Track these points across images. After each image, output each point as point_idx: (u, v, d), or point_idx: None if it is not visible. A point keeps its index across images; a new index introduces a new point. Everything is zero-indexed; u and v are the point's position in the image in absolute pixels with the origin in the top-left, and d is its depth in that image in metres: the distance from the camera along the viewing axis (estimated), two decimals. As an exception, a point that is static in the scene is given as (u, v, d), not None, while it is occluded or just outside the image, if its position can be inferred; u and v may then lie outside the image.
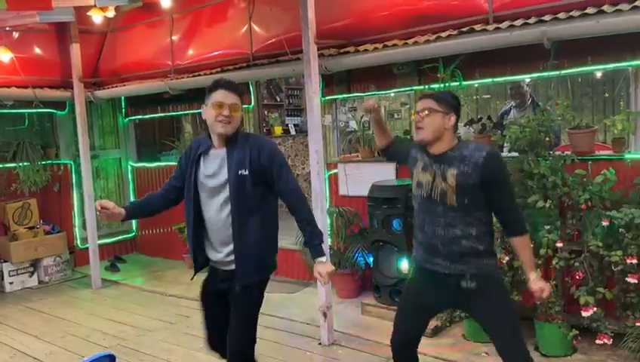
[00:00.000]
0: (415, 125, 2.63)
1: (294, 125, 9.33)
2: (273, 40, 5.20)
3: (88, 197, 6.36)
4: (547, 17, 3.70)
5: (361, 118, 7.38)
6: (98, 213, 2.69)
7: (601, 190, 3.72)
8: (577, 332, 3.68)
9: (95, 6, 5.49)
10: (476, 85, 5.48)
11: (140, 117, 7.64)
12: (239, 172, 2.62)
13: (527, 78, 4.81)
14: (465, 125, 4.71)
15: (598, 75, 6.13)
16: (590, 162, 3.91)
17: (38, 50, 6.52)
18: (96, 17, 5.88)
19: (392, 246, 4.64)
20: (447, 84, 4.37)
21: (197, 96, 6.30)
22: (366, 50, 4.57)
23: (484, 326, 2.69)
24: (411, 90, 4.98)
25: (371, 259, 4.91)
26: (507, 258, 3.88)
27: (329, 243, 4.78)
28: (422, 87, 4.75)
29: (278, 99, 9.75)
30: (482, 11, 4.07)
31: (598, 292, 3.58)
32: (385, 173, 5.00)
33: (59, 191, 7.05)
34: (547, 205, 3.73)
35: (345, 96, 5.49)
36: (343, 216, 5.22)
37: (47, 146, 6.98)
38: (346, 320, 4.67)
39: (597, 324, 3.57)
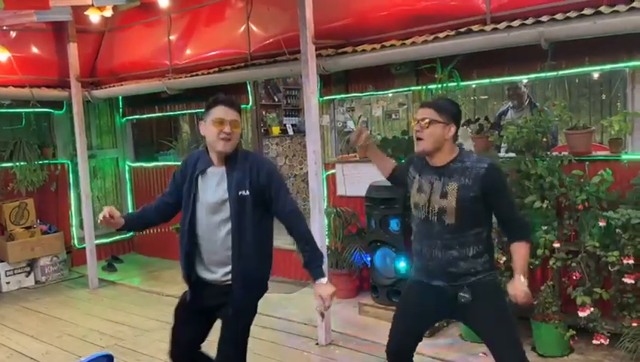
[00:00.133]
0: (415, 135, 2.62)
1: (292, 125, 9.31)
2: (271, 40, 5.20)
3: (85, 196, 6.35)
4: (544, 18, 3.70)
5: (359, 118, 7.40)
6: (102, 218, 2.62)
7: (598, 190, 3.73)
8: (574, 332, 3.69)
9: (93, 5, 5.49)
10: (474, 86, 5.49)
11: (137, 116, 7.64)
12: (240, 193, 2.57)
13: (524, 78, 4.81)
14: (462, 125, 4.70)
15: (596, 75, 6.14)
16: (587, 163, 3.91)
17: (35, 50, 6.50)
18: (94, 17, 5.87)
19: (390, 246, 4.65)
20: (444, 85, 4.38)
21: (195, 96, 6.31)
22: (364, 51, 4.57)
23: (481, 334, 2.69)
24: (409, 90, 4.99)
25: (369, 259, 4.91)
26: (504, 258, 3.88)
27: (327, 244, 4.78)
28: (420, 87, 4.76)
29: (276, 100, 9.73)
30: (480, 12, 4.07)
31: (595, 292, 3.59)
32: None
33: (56, 190, 7.04)
34: (544, 205, 3.74)
35: (343, 96, 5.49)
36: (341, 217, 5.22)
37: (45, 146, 6.97)
38: (344, 321, 4.67)
39: (594, 324, 3.58)
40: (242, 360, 2.71)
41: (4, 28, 6.17)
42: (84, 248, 6.47)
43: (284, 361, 4.04)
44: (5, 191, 6.59)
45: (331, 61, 4.74)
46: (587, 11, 3.56)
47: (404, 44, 4.32)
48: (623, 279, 3.46)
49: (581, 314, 3.56)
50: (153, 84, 6.22)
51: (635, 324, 3.48)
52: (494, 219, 2.66)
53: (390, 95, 7.02)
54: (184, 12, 6.13)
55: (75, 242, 7.14)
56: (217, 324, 2.76)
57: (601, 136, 6.16)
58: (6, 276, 6.38)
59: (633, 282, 3.44)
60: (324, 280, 2.57)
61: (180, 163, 2.88)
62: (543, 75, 4.11)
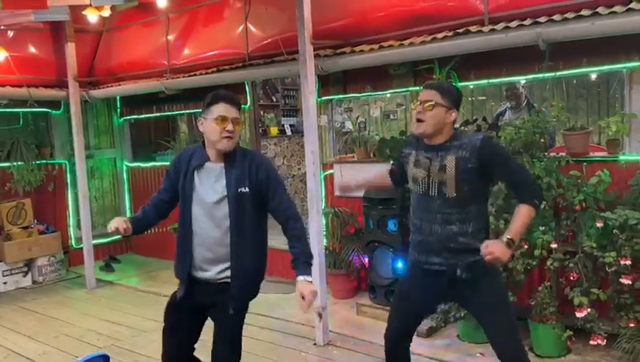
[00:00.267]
0: (416, 116, 2.58)
1: (290, 125, 9.31)
2: (269, 40, 5.20)
3: (83, 197, 6.34)
4: (542, 19, 3.71)
5: (357, 118, 7.40)
6: (113, 229, 2.60)
7: (595, 191, 3.73)
8: (571, 332, 3.69)
9: (90, 5, 5.47)
10: (471, 86, 5.48)
11: (135, 116, 7.63)
12: (239, 189, 2.55)
13: (522, 79, 4.82)
14: (460, 126, 4.71)
15: (593, 76, 6.15)
16: (585, 163, 3.92)
17: (33, 49, 6.49)
18: (92, 16, 5.86)
19: (388, 246, 4.65)
20: (442, 85, 4.37)
21: (192, 95, 6.30)
22: (362, 51, 4.57)
23: (480, 319, 2.67)
24: (407, 90, 5.00)
25: (367, 260, 4.91)
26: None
27: (324, 244, 4.78)
28: (418, 87, 4.76)
29: (274, 100, 9.73)
30: (478, 12, 4.08)
31: (592, 293, 3.59)
32: (381, 173, 5.00)
33: (53, 190, 7.03)
34: (542, 206, 3.74)
35: (341, 96, 5.49)
36: (339, 217, 5.22)
37: (42, 146, 6.95)
38: (341, 321, 4.67)
39: (591, 325, 3.58)
40: (239, 360, 2.71)
41: (2, 27, 6.16)
42: (82, 248, 6.46)
43: (281, 361, 4.04)
44: (2, 191, 6.57)
45: (329, 61, 4.74)
46: (585, 12, 3.57)
47: (402, 44, 4.33)
48: (620, 280, 3.47)
49: (578, 314, 3.57)
50: (151, 84, 6.21)
51: (632, 325, 3.48)
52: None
53: (388, 95, 7.02)
54: (182, 12, 6.12)
55: (73, 242, 7.13)
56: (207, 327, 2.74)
57: (598, 137, 6.17)
58: (3, 276, 6.37)
59: (630, 283, 3.44)
60: (309, 278, 2.48)
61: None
62: (540, 75, 4.11)
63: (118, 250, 7.62)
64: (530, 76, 4.29)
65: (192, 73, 5.83)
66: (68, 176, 7.13)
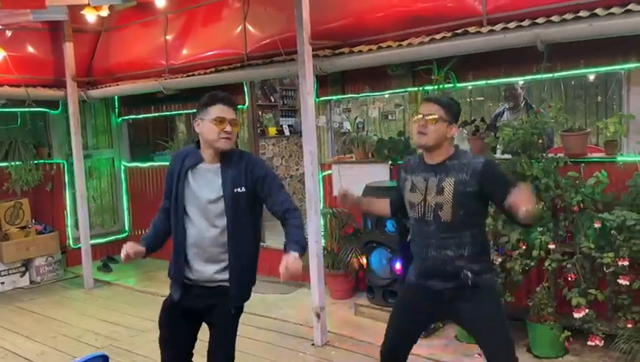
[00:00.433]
0: (417, 129, 2.57)
1: (288, 126, 9.32)
2: (268, 40, 5.20)
3: (81, 197, 6.33)
4: (540, 20, 3.71)
5: (355, 119, 7.40)
6: (123, 257, 2.61)
7: (593, 192, 3.74)
8: (569, 333, 3.69)
9: (89, 5, 5.46)
10: (470, 87, 5.49)
11: (133, 116, 7.62)
12: (235, 189, 2.55)
13: (520, 80, 4.83)
14: (458, 127, 4.71)
15: (591, 77, 6.16)
16: (583, 164, 3.93)
17: (31, 49, 6.48)
18: (90, 16, 5.85)
19: (386, 247, 4.65)
20: (441, 86, 4.38)
21: (191, 96, 6.30)
22: (360, 52, 4.57)
23: (475, 336, 2.69)
24: (405, 91, 5.00)
25: (365, 260, 4.91)
26: (500, 259, 3.89)
27: (323, 245, 4.78)
28: (416, 88, 4.76)
29: (273, 100, 9.74)
30: (476, 13, 4.08)
31: (590, 293, 3.59)
32: (379, 174, 5.01)
33: (51, 190, 7.01)
34: (540, 207, 3.74)
35: (339, 97, 5.49)
36: (337, 217, 5.22)
37: (40, 145, 6.94)
38: (340, 321, 4.67)
39: (589, 326, 3.58)
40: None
41: (0, 27, 6.15)
42: (80, 248, 6.45)
43: (279, 362, 4.05)
44: (0, 191, 6.56)
45: (328, 62, 4.74)
46: (583, 13, 3.57)
47: (401, 45, 4.33)
48: (618, 280, 3.47)
49: (576, 315, 3.57)
50: (149, 84, 6.20)
51: (630, 325, 3.49)
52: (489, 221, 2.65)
53: (387, 96, 7.04)
54: (181, 12, 6.12)
55: (71, 242, 7.11)
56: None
57: (596, 137, 6.17)
58: (1, 276, 6.35)
59: (628, 283, 3.44)
60: (297, 255, 2.39)
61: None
62: (539, 76, 4.12)
63: (116, 250, 7.54)
64: (529, 77, 4.30)
65: (191, 73, 5.82)
66: (66, 175, 7.12)
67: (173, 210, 2.67)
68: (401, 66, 4.75)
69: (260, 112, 9.27)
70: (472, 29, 4.00)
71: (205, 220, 2.59)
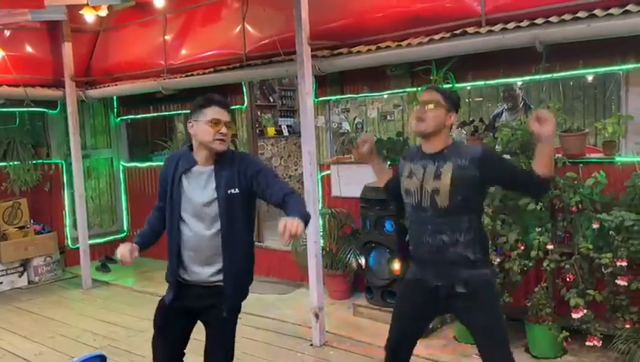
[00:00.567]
0: (416, 115, 2.57)
1: (287, 126, 9.33)
2: (266, 40, 5.20)
3: (79, 197, 6.33)
4: (539, 21, 3.72)
5: (354, 119, 7.40)
6: (119, 257, 2.65)
7: (591, 193, 3.74)
8: (567, 333, 3.70)
9: (88, 5, 5.47)
10: (469, 88, 5.49)
11: (132, 116, 7.62)
12: (229, 191, 2.54)
13: (519, 80, 4.83)
14: (457, 127, 4.72)
15: (590, 78, 6.15)
16: (581, 165, 3.93)
17: (29, 49, 6.47)
18: (89, 16, 5.85)
19: (385, 247, 4.65)
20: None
21: (189, 96, 6.28)
22: (359, 52, 4.58)
23: (472, 334, 2.68)
24: (404, 91, 5.00)
25: (363, 261, 4.91)
26: (498, 259, 3.89)
27: (321, 245, 4.78)
28: (415, 88, 4.76)
29: (272, 100, 9.74)
30: (475, 14, 4.08)
31: (588, 294, 3.60)
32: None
33: (50, 190, 7.01)
34: (538, 207, 3.75)
35: (338, 97, 5.49)
36: (336, 217, 5.22)
37: (38, 145, 6.94)
38: (338, 322, 4.67)
39: (587, 326, 3.59)
40: None
41: (-1, 27, 6.15)
42: (78, 248, 6.44)
43: (278, 362, 4.05)
44: (-1, 191, 6.56)
45: (327, 62, 4.74)
46: (581, 14, 3.57)
47: (400, 45, 4.33)
48: (616, 281, 3.47)
49: (574, 315, 3.57)
50: (148, 84, 6.20)
51: (628, 326, 3.49)
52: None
53: (385, 96, 7.04)
54: (179, 12, 6.12)
55: (69, 242, 7.11)
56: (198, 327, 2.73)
57: (595, 138, 6.17)
58: (-1, 276, 6.36)
59: (626, 284, 3.45)
60: (299, 220, 2.26)
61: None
62: (537, 77, 4.12)
63: (115, 251, 7.58)
64: (527, 77, 4.30)
65: (190, 73, 5.82)
66: (64, 175, 7.11)
67: (168, 214, 2.67)
68: (400, 67, 4.76)
69: (258, 112, 9.28)
70: (470, 30, 4.01)
71: (200, 223, 2.59)
